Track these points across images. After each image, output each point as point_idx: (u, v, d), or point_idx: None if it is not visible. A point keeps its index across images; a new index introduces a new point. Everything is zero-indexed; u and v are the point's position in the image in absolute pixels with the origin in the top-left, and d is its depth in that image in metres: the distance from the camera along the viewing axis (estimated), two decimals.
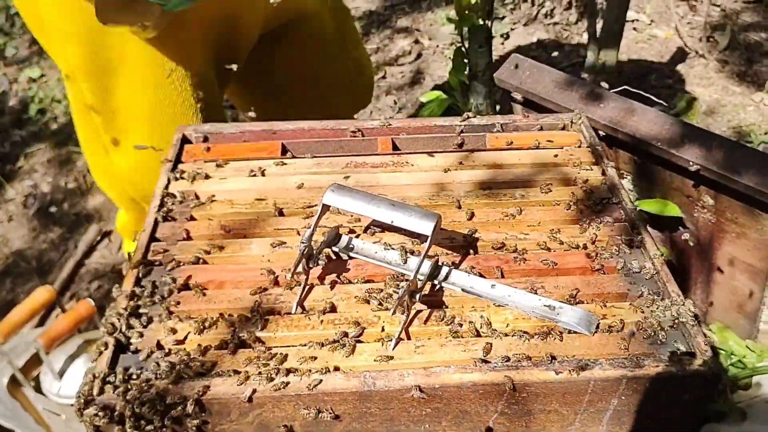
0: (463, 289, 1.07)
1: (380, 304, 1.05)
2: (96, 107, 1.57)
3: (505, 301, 1.05)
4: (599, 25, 2.41)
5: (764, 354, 1.38)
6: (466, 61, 2.25)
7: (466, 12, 2.06)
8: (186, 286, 1.09)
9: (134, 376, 0.95)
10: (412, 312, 1.03)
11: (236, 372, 0.95)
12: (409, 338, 1.01)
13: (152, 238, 1.19)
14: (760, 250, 1.41)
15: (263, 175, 1.33)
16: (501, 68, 1.72)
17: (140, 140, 1.56)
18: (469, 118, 1.45)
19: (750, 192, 1.34)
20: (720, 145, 1.39)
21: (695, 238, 1.54)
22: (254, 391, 0.93)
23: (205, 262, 1.14)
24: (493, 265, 1.12)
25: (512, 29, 3.51)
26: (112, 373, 0.95)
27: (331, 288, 1.09)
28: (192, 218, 1.24)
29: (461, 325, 1.01)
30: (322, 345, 0.99)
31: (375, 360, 0.97)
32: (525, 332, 1.00)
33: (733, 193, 1.39)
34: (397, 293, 1.03)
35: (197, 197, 1.28)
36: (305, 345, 1.00)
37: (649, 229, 1.21)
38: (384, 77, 3.33)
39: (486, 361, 0.96)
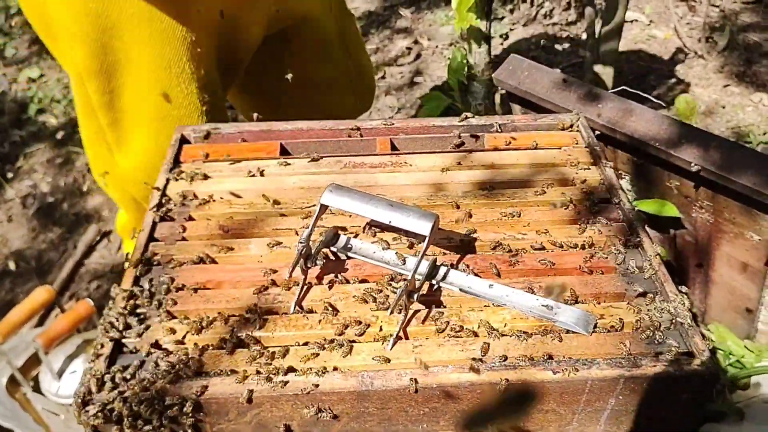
0: (461, 289, 1.07)
1: (378, 303, 1.05)
2: (102, 108, 1.57)
3: (503, 301, 1.05)
4: (598, 26, 2.41)
5: (762, 354, 1.38)
6: (465, 61, 2.26)
7: (465, 12, 2.06)
8: (184, 286, 1.09)
9: (132, 376, 0.95)
10: (410, 312, 1.03)
11: (234, 372, 0.96)
12: (407, 338, 1.01)
13: (151, 238, 1.19)
14: (759, 250, 1.42)
15: (262, 175, 1.33)
16: (500, 69, 1.72)
17: (146, 141, 1.57)
18: (467, 118, 1.45)
19: (748, 192, 1.34)
20: (718, 146, 1.39)
21: (693, 238, 1.54)
22: (252, 390, 0.93)
23: (203, 262, 1.14)
24: (491, 265, 1.12)
25: (511, 29, 3.52)
26: (110, 373, 0.95)
27: (330, 288, 1.09)
28: (190, 218, 1.24)
29: (459, 325, 1.01)
30: (320, 345, 0.99)
31: (373, 360, 0.97)
32: (523, 332, 1.00)
33: (731, 193, 1.39)
34: (395, 293, 1.03)
35: (196, 197, 1.28)
36: (303, 344, 1.00)
37: (647, 229, 1.21)
38: (383, 77, 3.33)
39: (483, 361, 0.96)
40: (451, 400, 0.96)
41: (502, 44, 3.41)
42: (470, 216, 1.22)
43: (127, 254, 1.56)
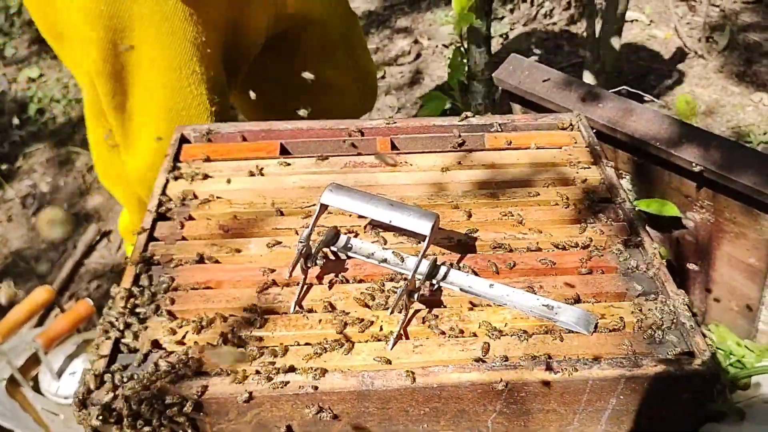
0: (461, 289, 1.07)
1: (378, 303, 1.05)
2: (112, 109, 1.58)
3: (504, 301, 1.05)
4: (598, 25, 2.41)
5: (763, 354, 1.38)
6: (465, 61, 2.26)
7: (465, 12, 2.06)
8: (184, 286, 1.09)
9: (132, 376, 0.95)
10: (411, 311, 1.03)
11: (234, 371, 0.95)
12: (407, 338, 1.01)
13: (150, 238, 1.19)
14: (759, 250, 1.41)
15: (262, 174, 1.33)
16: (500, 68, 1.72)
17: (155, 142, 1.58)
18: (467, 118, 1.45)
19: (749, 192, 1.34)
20: (719, 145, 1.39)
21: (694, 238, 1.54)
22: (252, 390, 0.93)
23: (203, 262, 1.14)
24: (491, 264, 1.11)
25: (511, 29, 3.51)
26: (109, 373, 0.95)
27: (330, 287, 1.09)
28: (190, 218, 1.24)
29: (460, 325, 1.01)
30: (321, 344, 0.99)
31: (373, 359, 0.97)
32: (523, 332, 1.00)
33: (731, 192, 1.39)
34: (396, 293, 1.03)
35: (196, 197, 1.28)
36: (303, 344, 1.00)
37: (647, 228, 1.21)
38: (383, 77, 3.33)
39: (484, 361, 0.96)
40: (452, 400, 0.95)
41: (502, 44, 3.41)
42: (470, 216, 1.22)
43: (126, 257, 1.56)
